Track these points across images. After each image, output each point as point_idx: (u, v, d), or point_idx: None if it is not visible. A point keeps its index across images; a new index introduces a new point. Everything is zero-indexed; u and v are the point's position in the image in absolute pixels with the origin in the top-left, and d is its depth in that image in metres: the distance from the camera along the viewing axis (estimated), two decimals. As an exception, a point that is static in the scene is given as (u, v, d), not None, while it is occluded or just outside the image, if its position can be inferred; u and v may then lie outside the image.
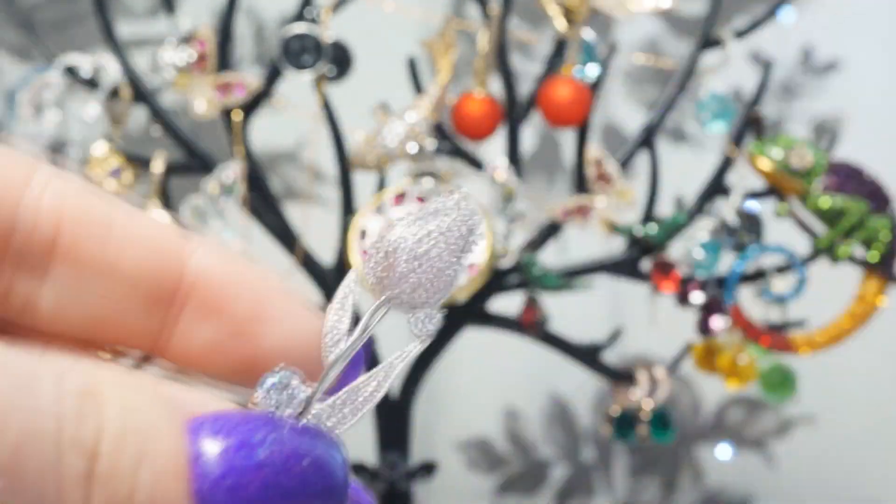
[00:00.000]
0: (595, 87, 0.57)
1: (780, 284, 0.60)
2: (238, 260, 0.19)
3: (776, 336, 0.60)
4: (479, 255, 0.54)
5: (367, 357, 0.19)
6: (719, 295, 0.59)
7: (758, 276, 0.60)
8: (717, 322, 0.59)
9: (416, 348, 0.18)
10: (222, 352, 0.19)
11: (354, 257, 0.54)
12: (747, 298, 0.60)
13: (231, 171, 0.56)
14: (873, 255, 0.59)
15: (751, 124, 0.59)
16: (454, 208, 0.18)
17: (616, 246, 0.61)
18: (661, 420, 0.61)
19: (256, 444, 0.16)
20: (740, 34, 0.60)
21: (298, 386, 0.17)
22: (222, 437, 0.16)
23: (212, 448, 0.16)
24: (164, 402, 0.16)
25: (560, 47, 0.57)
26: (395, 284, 0.17)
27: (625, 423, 0.62)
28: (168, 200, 0.58)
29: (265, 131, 0.63)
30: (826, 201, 0.58)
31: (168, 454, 0.15)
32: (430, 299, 0.18)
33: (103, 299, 0.18)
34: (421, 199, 0.54)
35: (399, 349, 0.18)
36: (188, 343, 0.19)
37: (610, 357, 0.64)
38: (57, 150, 0.57)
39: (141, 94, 0.57)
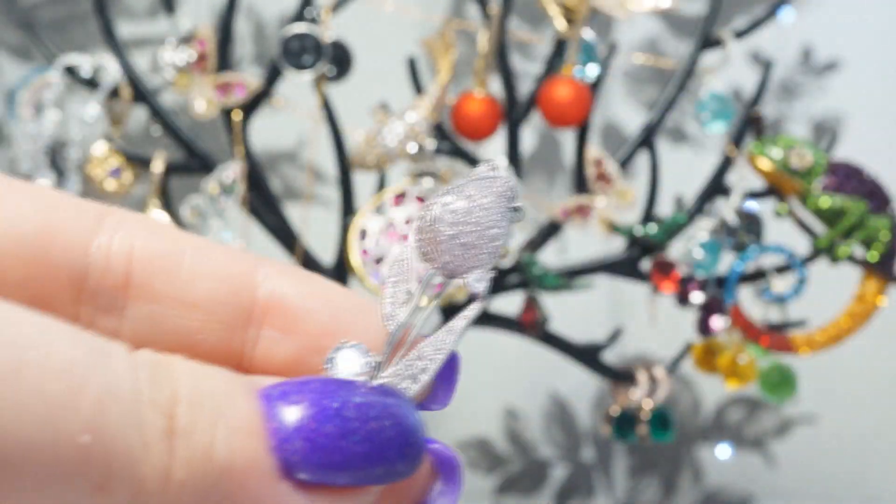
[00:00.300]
0: (595, 87, 0.57)
1: (780, 284, 0.60)
2: (309, 278, 0.20)
3: (776, 336, 0.60)
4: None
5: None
6: (719, 295, 0.59)
7: (758, 276, 0.60)
8: (717, 322, 0.59)
9: (476, 308, 0.18)
10: (302, 369, 0.19)
11: (354, 257, 0.54)
12: (747, 298, 0.60)
13: (231, 171, 0.56)
14: (873, 255, 0.59)
15: (751, 124, 0.59)
16: (489, 173, 0.18)
17: (616, 246, 0.61)
18: (661, 420, 0.61)
19: (330, 399, 0.16)
20: (740, 34, 0.60)
21: (366, 354, 0.18)
22: (296, 396, 0.16)
23: (286, 405, 0.16)
24: (235, 375, 0.17)
25: (560, 47, 0.57)
26: (442, 252, 0.18)
27: (625, 423, 0.62)
28: (168, 200, 0.58)
29: (265, 131, 0.63)
30: (826, 201, 0.58)
31: (242, 413, 0.16)
32: (479, 260, 0.18)
33: (180, 329, 0.19)
34: (420, 199, 0.54)
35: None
36: (269, 362, 0.19)
37: (610, 357, 0.64)
38: (57, 150, 0.57)
39: (141, 94, 0.57)
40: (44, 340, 0.15)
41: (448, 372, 0.19)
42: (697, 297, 0.58)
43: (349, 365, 0.18)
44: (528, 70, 0.81)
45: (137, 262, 0.18)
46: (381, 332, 0.19)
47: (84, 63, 0.57)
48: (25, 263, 0.17)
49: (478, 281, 0.18)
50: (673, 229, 0.58)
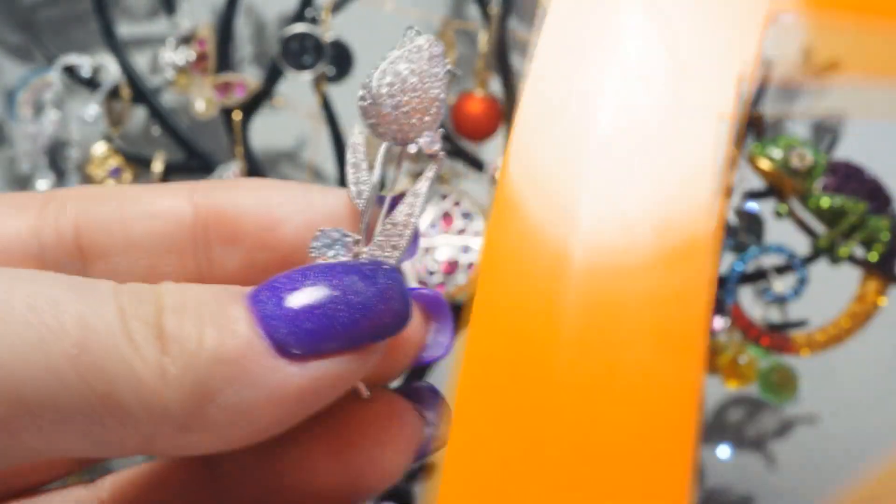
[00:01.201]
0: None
1: (780, 284, 0.60)
2: (238, 183, 0.21)
3: (776, 336, 0.60)
4: (478, 255, 0.54)
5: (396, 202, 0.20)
6: (719, 295, 0.59)
7: (758, 276, 0.60)
8: (717, 322, 0.59)
9: (434, 168, 0.20)
10: (260, 269, 0.21)
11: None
12: (747, 298, 0.60)
13: (231, 171, 0.56)
14: (873, 255, 0.59)
15: (751, 124, 0.59)
16: (409, 43, 0.19)
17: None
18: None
19: (311, 280, 0.18)
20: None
21: (345, 235, 0.19)
22: (278, 285, 0.18)
23: (270, 295, 0.17)
24: (222, 286, 0.18)
25: (560, 47, 0.57)
26: (390, 123, 0.19)
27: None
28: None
29: (265, 131, 0.63)
30: (826, 201, 0.58)
31: (228, 310, 0.17)
32: (426, 121, 0.19)
33: (143, 274, 0.20)
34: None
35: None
36: (227, 273, 0.21)
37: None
38: (57, 150, 0.57)
39: (141, 94, 0.57)
40: (27, 286, 0.16)
41: (440, 314, 0.21)
42: (697, 297, 0.58)
43: (332, 248, 0.19)
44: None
45: (82, 227, 0.20)
46: (320, 200, 0.21)
47: (84, 63, 0.57)
48: None
49: (430, 143, 0.19)
50: (673, 229, 0.58)
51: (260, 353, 0.17)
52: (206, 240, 0.21)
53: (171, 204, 0.21)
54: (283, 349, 0.17)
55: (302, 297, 0.17)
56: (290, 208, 0.21)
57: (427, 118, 0.19)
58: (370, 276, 0.18)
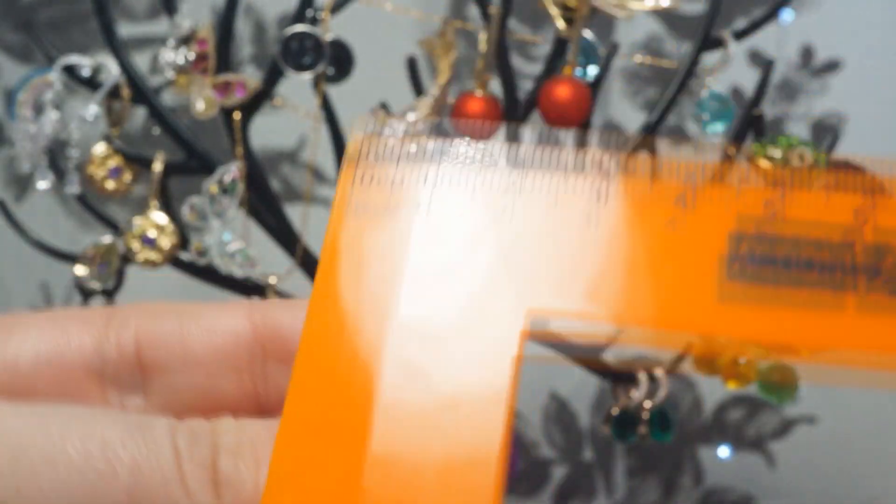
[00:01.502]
0: (595, 87, 0.57)
1: (780, 284, 0.60)
2: (296, 303, 0.22)
3: (776, 336, 0.60)
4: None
5: None
6: (719, 295, 0.59)
7: (758, 276, 0.60)
8: (717, 322, 0.59)
9: None
10: None
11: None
12: (747, 298, 0.60)
13: (231, 172, 0.56)
14: (873, 255, 0.58)
15: (751, 124, 0.59)
16: None
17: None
18: (661, 420, 0.61)
19: None
20: (740, 34, 0.60)
21: None
22: None
23: None
24: (274, 421, 0.18)
25: (560, 47, 0.57)
26: None
27: (625, 423, 0.62)
28: (168, 200, 0.58)
29: (265, 131, 0.63)
30: (826, 201, 0.58)
31: None
32: None
33: (200, 390, 0.21)
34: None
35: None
36: (283, 392, 0.21)
37: (610, 357, 0.64)
38: (57, 150, 0.57)
39: (141, 94, 0.57)
40: (82, 427, 0.17)
41: None
42: (697, 297, 0.58)
43: None
44: (528, 70, 0.80)
45: (143, 343, 0.21)
46: None
47: (84, 63, 0.57)
48: (52, 373, 0.20)
49: None
50: (673, 229, 0.58)
51: None
52: (264, 358, 0.21)
53: (230, 322, 0.21)
54: None
55: None
56: None
57: None
58: None
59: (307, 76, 0.56)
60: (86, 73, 0.57)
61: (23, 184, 0.85)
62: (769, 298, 0.18)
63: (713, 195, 0.19)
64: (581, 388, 0.86)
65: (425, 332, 0.18)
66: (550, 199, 0.19)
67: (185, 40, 0.56)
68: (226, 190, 0.56)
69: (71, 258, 0.58)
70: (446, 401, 0.17)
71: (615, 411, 0.63)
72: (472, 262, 0.18)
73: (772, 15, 0.60)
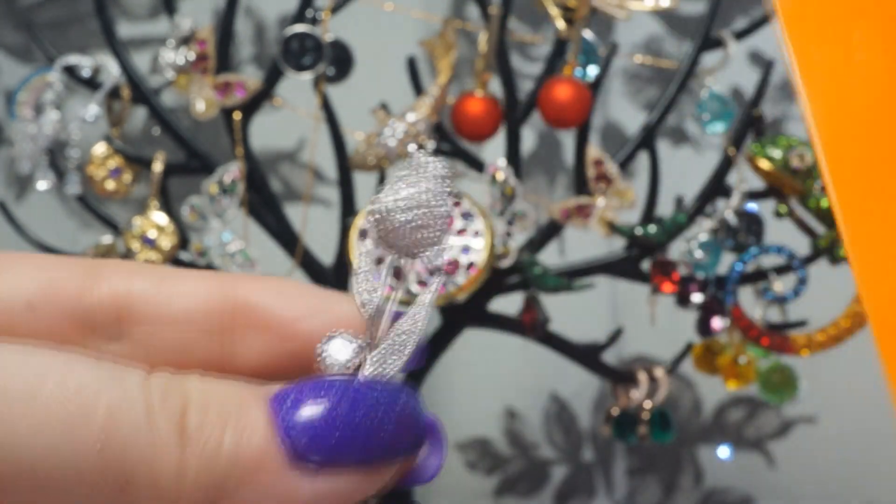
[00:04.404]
0: (595, 87, 0.57)
1: (780, 285, 0.60)
2: (271, 280, 0.23)
3: (776, 336, 0.60)
4: (478, 255, 0.54)
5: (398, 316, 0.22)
6: (719, 295, 0.59)
7: (758, 276, 0.60)
8: (717, 322, 0.59)
9: (437, 281, 0.21)
10: (278, 357, 0.22)
11: (354, 258, 0.54)
12: (747, 299, 0.60)
13: (231, 172, 0.56)
14: (873, 256, 0.58)
15: (751, 124, 0.59)
16: (422, 160, 0.21)
17: (616, 246, 0.61)
18: (661, 420, 0.61)
19: (331, 397, 0.19)
20: (740, 34, 0.60)
21: (353, 340, 0.20)
22: (300, 396, 0.19)
23: (292, 406, 0.18)
24: (245, 384, 0.19)
25: (560, 47, 0.57)
26: (400, 237, 0.20)
27: (625, 423, 0.62)
28: (168, 201, 0.58)
29: (265, 131, 0.63)
30: (826, 201, 0.58)
31: (251, 414, 0.18)
32: (433, 238, 0.20)
33: (173, 344, 0.22)
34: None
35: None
36: (248, 359, 0.22)
37: (610, 357, 0.64)
38: (57, 150, 0.57)
39: (141, 94, 0.57)
40: (60, 369, 0.17)
41: (433, 438, 0.21)
42: (697, 297, 0.58)
43: (340, 352, 0.20)
44: (528, 70, 0.80)
45: (125, 296, 0.22)
46: (337, 306, 0.22)
47: (84, 63, 0.57)
48: (35, 317, 0.21)
49: (435, 256, 0.20)
50: (673, 230, 0.58)
51: (274, 461, 0.18)
52: (232, 326, 0.22)
53: (204, 287, 0.22)
54: (300, 458, 0.18)
55: (325, 410, 0.18)
56: (308, 306, 0.22)
57: (435, 234, 0.20)
58: (392, 396, 0.19)
59: (307, 76, 0.56)
60: (86, 73, 0.57)
61: (23, 184, 0.85)
62: None
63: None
64: (581, 388, 0.86)
65: None
66: None
67: (185, 40, 0.56)
68: (226, 190, 0.56)
69: (71, 258, 0.58)
70: None
71: (615, 411, 0.63)
72: None
73: (772, 15, 0.60)
